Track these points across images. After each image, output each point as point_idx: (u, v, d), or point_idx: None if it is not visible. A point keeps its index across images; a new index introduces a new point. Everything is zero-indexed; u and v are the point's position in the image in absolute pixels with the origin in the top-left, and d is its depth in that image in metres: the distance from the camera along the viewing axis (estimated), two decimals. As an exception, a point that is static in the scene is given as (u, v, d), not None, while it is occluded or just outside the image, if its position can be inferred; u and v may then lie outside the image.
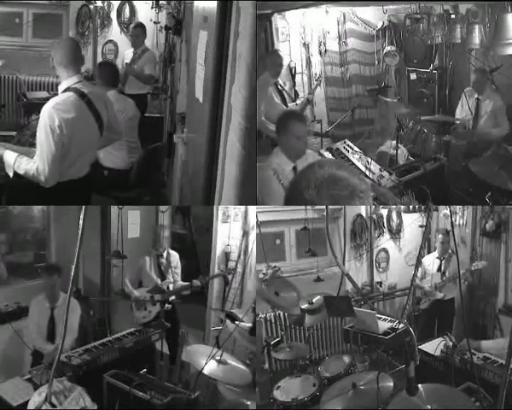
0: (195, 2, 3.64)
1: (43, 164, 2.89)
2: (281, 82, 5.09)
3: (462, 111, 4.99)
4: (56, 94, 3.12)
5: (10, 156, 3.02)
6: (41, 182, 2.94)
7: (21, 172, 2.97)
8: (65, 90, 3.02)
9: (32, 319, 3.72)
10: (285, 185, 3.03)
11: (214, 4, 2.58)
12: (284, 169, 3.12)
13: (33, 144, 3.50)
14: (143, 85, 6.23)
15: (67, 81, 3.03)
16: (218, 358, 2.93)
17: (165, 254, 4.59)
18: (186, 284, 4.44)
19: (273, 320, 4.56)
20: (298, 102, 5.31)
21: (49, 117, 2.86)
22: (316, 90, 5.49)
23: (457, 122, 4.99)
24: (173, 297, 4.49)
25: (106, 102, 3.34)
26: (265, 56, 5.00)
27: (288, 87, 5.61)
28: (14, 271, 4.60)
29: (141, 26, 6.32)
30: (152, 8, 6.64)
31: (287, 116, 3.29)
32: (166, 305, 4.13)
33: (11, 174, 3.03)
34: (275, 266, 3.86)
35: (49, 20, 7.07)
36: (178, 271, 4.67)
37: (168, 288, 4.49)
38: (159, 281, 4.52)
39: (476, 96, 4.81)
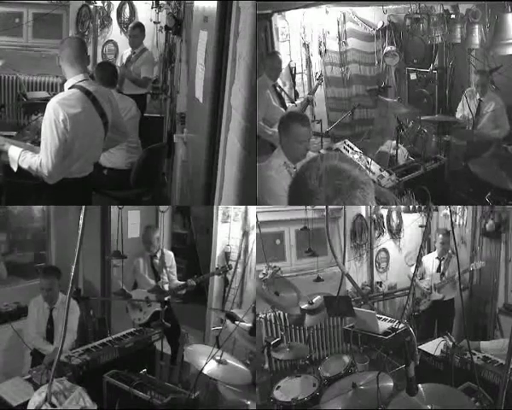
0: (195, 2, 3.65)
1: (46, 158, 2.90)
2: (280, 83, 5.07)
3: (463, 111, 4.99)
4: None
5: (15, 151, 3.04)
6: (44, 176, 2.95)
7: (25, 166, 2.99)
8: (70, 88, 3.05)
9: (31, 320, 3.72)
10: (285, 187, 3.01)
11: (214, 4, 2.58)
12: (284, 170, 3.11)
13: (33, 144, 3.51)
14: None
15: (73, 79, 3.05)
16: (218, 358, 2.93)
17: (158, 255, 4.57)
18: (181, 283, 4.44)
19: (273, 320, 4.55)
20: (297, 102, 5.31)
21: (54, 111, 2.88)
22: (316, 89, 5.48)
23: (458, 121, 4.99)
24: (170, 297, 4.48)
25: (111, 101, 3.35)
26: (264, 58, 4.99)
27: (288, 87, 5.61)
28: (14, 271, 4.60)
29: (139, 26, 6.32)
30: (152, 8, 6.64)
31: (289, 118, 3.22)
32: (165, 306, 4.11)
33: (15, 168, 3.04)
34: (275, 266, 3.85)
35: (49, 20, 7.07)
36: (174, 270, 4.65)
37: (163, 288, 4.48)
38: (152, 282, 4.51)
39: (478, 97, 4.81)
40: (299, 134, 3.09)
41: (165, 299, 4.23)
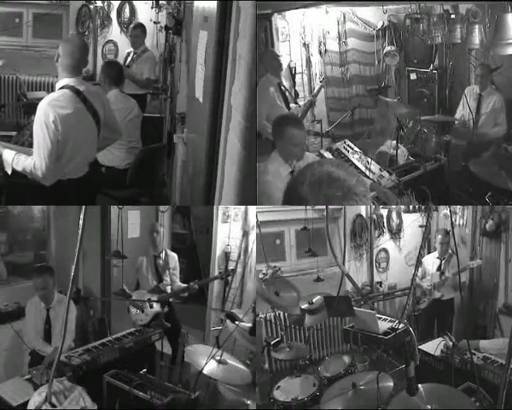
0: (195, 2, 3.65)
1: (40, 160, 2.91)
2: (284, 82, 5.07)
3: (463, 111, 5.00)
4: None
5: (9, 154, 3.05)
6: (38, 178, 2.96)
7: (19, 168, 2.99)
8: (61, 88, 3.04)
9: (29, 321, 3.70)
10: (283, 190, 2.99)
11: (214, 4, 2.59)
12: (281, 174, 3.09)
13: (31, 145, 3.51)
14: (142, 86, 6.24)
15: (65, 80, 3.05)
16: (218, 358, 2.93)
17: (162, 255, 4.56)
18: (184, 286, 4.42)
19: (273, 320, 4.55)
20: (300, 103, 5.30)
21: (44, 113, 2.88)
22: (319, 92, 5.49)
23: (456, 122, 5.00)
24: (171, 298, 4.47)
25: (102, 99, 3.35)
26: (263, 58, 4.97)
27: (288, 87, 5.61)
28: (14, 271, 4.60)
29: (140, 27, 6.33)
30: (152, 8, 6.64)
31: (282, 121, 3.14)
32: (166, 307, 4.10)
33: (9, 171, 3.05)
34: (275, 266, 3.85)
35: (49, 20, 7.08)
36: (176, 272, 4.63)
37: (165, 289, 4.48)
38: (155, 282, 4.50)
39: (478, 92, 4.82)
40: (293, 137, 3.02)
41: (167, 300, 4.23)
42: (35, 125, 2.92)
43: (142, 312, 4.32)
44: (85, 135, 3.18)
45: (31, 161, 2.94)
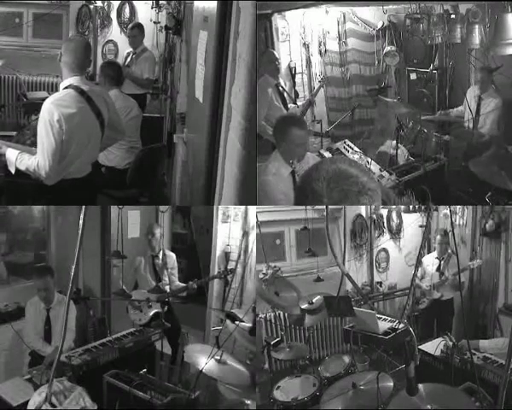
0: (195, 2, 3.65)
1: (43, 159, 2.91)
2: (282, 83, 5.07)
3: (464, 112, 5.00)
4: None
5: (12, 153, 3.06)
6: (42, 178, 2.96)
7: (23, 168, 2.99)
8: (65, 88, 3.05)
9: (29, 321, 3.70)
10: (283, 190, 3.00)
11: (214, 4, 2.59)
12: (282, 174, 3.09)
13: (34, 144, 3.52)
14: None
15: (69, 80, 3.06)
16: (218, 358, 2.92)
17: (160, 255, 4.56)
18: (183, 285, 4.42)
19: (273, 320, 4.55)
20: (299, 103, 5.30)
21: (48, 112, 2.88)
22: (319, 91, 5.48)
23: (458, 121, 5.00)
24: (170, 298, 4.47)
25: (106, 100, 3.35)
26: (261, 60, 4.96)
27: (288, 87, 5.61)
28: (14, 271, 4.60)
29: (137, 26, 6.34)
30: (152, 8, 6.65)
31: (285, 122, 3.14)
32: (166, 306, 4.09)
33: (13, 171, 3.05)
34: (275, 266, 3.85)
35: (49, 20, 7.07)
36: (175, 271, 4.64)
37: (164, 289, 4.48)
38: (153, 282, 4.50)
39: (478, 93, 4.81)
40: (296, 138, 3.02)
41: (166, 300, 4.22)
42: (39, 125, 2.92)
43: (141, 312, 4.32)
44: (89, 134, 3.19)
45: (34, 160, 2.94)
